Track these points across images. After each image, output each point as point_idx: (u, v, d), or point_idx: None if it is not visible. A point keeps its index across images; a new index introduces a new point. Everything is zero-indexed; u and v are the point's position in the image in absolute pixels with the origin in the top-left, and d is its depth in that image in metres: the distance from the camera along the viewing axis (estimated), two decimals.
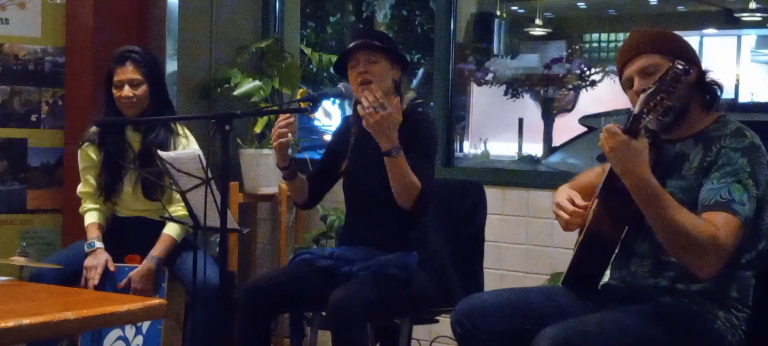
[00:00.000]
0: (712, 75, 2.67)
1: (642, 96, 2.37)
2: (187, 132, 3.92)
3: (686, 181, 2.57)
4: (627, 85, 2.66)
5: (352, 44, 3.39)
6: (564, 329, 2.46)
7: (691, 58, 2.61)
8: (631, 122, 2.37)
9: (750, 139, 2.54)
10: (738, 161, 2.49)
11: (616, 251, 2.72)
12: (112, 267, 3.71)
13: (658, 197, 2.40)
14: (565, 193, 2.80)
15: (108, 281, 3.71)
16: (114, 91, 3.80)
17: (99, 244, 3.75)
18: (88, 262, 3.70)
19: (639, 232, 2.60)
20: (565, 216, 2.75)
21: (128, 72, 3.77)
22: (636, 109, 2.36)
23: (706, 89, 2.64)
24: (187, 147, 3.80)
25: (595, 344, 2.46)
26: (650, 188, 2.40)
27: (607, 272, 2.80)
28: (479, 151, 6.78)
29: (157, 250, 3.73)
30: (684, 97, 2.58)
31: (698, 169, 2.56)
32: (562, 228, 2.80)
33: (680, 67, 2.33)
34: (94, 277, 3.66)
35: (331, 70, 3.64)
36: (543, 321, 2.54)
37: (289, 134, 3.33)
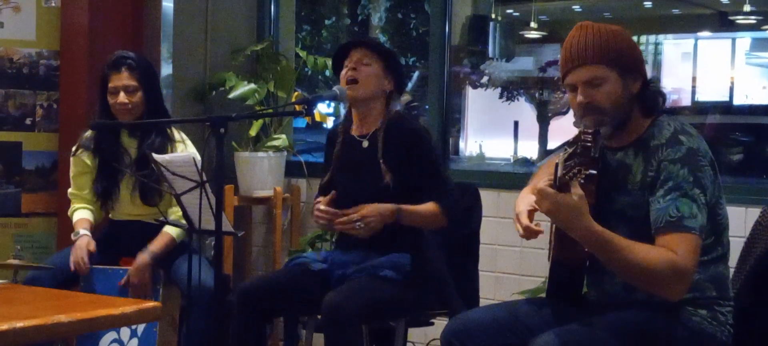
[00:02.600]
0: (657, 84, 2.64)
1: (561, 160, 2.36)
2: (184, 136, 3.91)
3: (633, 196, 2.56)
4: (570, 89, 2.62)
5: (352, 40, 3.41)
6: (556, 336, 2.46)
7: (636, 68, 2.57)
8: (558, 185, 2.34)
9: (686, 144, 2.50)
10: (679, 174, 2.45)
11: (587, 264, 2.70)
12: (92, 248, 3.70)
13: (607, 243, 2.37)
14: (525, 202, 2.73)
15: (101, 281, 3.71)
16: (109, 97, 3.79)
17: (84, 231, 3.75)
18: (74, 247, 3.70)
19: None
20: (520, 231, 2.69)
21: (123, 78, 3.76)
22: (560, 173, 2.34)
23: (647, 98, 2.60)
24: (184, 151, 3.80)
25: None
26: (596, 237, 2.36)
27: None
28: (475, 154, 6.78)
29: (155, 245, 3.73)
30: (626, 107, 2.57)
31: (642, 184, 2.53)
32: (523, 237, 2.73)
33: (588, 138, 2.30)
34: (77, 260, 3.64)
35: (327, 72, 3.63)
36: (531, 334, 2.54)
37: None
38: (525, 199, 2.76)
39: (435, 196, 3.27)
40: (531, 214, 2.69)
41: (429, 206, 3.25)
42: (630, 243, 2.39)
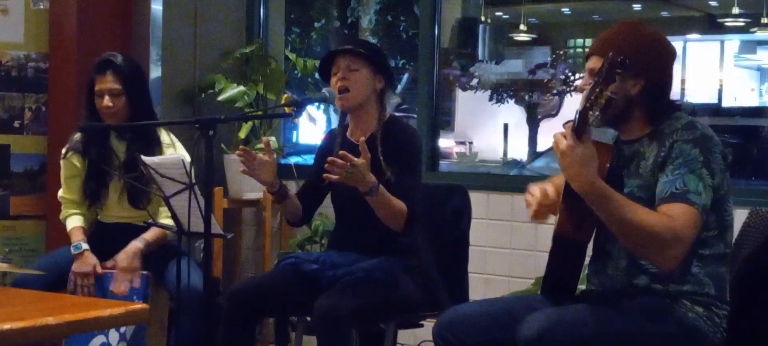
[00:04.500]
0: (671, 96, 2.68)
1: (584, 93, 2.40)
2: (174, 138, 3.90)
3: (643, 179, 2.59)
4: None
5: (338, 49, 3.39)
6: (548, 314, 2.49)
7: (637, 70, 2.54)
8: (577, 119, 2.40)
9: (701, 130, 2.55)
10: (690, 152, 2.50)
11: (590, 255, 2.73)
12: (100, 270, 3.70)
13: (608, 199, 2.42)
14: (538, 185, 2.80)
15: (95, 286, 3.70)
16: (95, 100, 3.78)
17: (85, 246, 3.74)
18: (77, 267, 3.68)
19: (609, 232, 2.59)
20: (530, 200, 2.75)
21: (108, 82, 3.75)
22: (580, 106, 2.39)
23: (649, 104, 2.62)
24: (174, 153, 3.78)
25: (579, 332, 2.49)
26: (599, 190, 2.41)
27: (584, 284, 2.81)
28: (464, 156, 6.79)
29: (148, 234, 3.73)
30: (626, 100, 2.59)
31: (653, 165, 2.57)
32: (531, 216, 2.78)
33: (611, 56, 2.35)
34: (86, 285, 3.64)
35: (317, 74, 3.62)
36: (527, 317, 2.55)
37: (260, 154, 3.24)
38: (536, 184, 2.82)
39: (405, 200, 3.26)
40: (544, 190, 2.75)
41: (400, 205, 3.24)
42: (631, 203, 2.44)
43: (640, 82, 2.60)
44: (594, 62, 2.64)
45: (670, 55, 2.68)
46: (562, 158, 2.43)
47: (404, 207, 3.21)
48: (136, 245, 3.70)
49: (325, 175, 3.04)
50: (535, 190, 2.76)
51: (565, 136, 2.43)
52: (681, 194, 2.46)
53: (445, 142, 6.90)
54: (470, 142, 7.03)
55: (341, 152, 3.03)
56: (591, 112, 2.37)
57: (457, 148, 7.01)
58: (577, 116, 2.40)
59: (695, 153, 2.50)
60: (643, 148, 2.63)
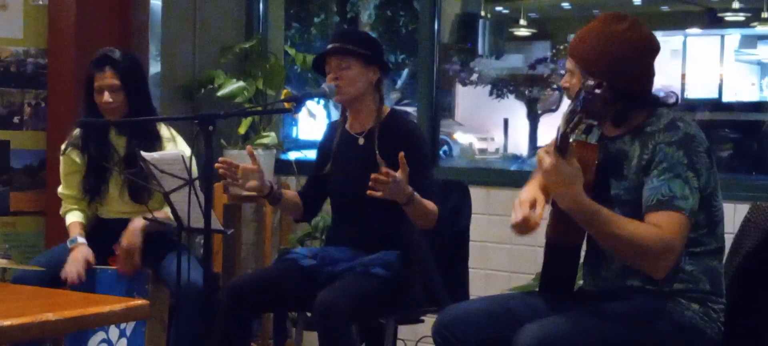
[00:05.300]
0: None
1: (564, 115, 2.38)
2: (174, 133, 3.89)
3: (629, 181, 2.58)
4: None
5: (328, 47, 3.39)
6: (543, 326, 2.48)
7: (601, 73, 2.48)
8: (559, 140, 2.38)
9: (683, 130, 2.52)
10: (674, 156, 2.48)
11: (584, 254, 2.72)
12: (93, 260, 3.69)
13: (595, 216, 2.41)
14: (529, 192, 2.70)
15: (89, 280, 3.69)
16: (95, 95, 3.77)
17: (81, 239, 3.73)
18: (70, 257, 3.68)
19: None
20: (517, 217, 2.61)
21: (107, 77, 3.74)
22: (561, 128, 2.37)
23: (614, 106, 2.50)
24: (174, 149, 3.78)
25: (574, 341, 2.48)
26: (585, 207, 2.40)
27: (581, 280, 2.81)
28: (464, 151, 6.78)
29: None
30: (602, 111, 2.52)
31: (638, 168, 2.55)
32: (513, 227, 2.66)
33: (589, 85, 2.33)
34: (72, 272, 3.63)
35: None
36: (521, 326, 2.54)
37: (241, 165, 3.26)
38: (529, 189, 2.76)
39: (430, 196, 3.26)
40: (533, 203, 2.66)
41: (432, 205, 3.23)
42: (618, 217, 2.43)
43: (603, 90, 2.52)
44: (569, 63, 2.65)
45: (643, 52, 2.60)
46: (547, 176, 2.41)
47: (435, 207, 3.22)
48: (138, 222, 3.68)
49: (369, 192, 3.03)
50: (525, 205, 2.63)
51: (548, 153, 2.40)
52: (667, 201, 2.44)
53: (463, 138, 6.91)
54: (492, 139, 7.02)
55: (384, 169, 3.03)
56: (571, 136, 2.35)
57: (479, 145, 7.00)
58: (559, 137, 2.37)
59: (679, 156, 2.48)
60: (626, 147, 2.61)
